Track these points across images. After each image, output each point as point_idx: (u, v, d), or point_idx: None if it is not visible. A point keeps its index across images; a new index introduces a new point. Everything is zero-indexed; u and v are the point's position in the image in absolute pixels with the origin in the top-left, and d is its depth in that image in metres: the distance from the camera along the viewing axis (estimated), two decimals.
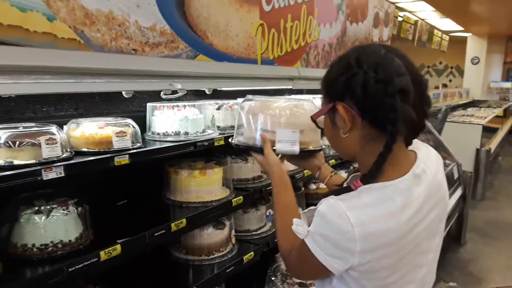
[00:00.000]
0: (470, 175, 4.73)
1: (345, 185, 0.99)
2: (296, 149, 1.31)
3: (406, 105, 0.90)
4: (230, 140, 1.50)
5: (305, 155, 1.38)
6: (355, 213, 0.89)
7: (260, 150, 1.33)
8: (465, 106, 9.88)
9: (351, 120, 0.97)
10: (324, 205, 0.93)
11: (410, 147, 1.04)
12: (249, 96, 1.45)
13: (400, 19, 7.03)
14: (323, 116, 1.07)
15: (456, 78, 14.88)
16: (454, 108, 8.60)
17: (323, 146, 1.44)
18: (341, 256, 0.92)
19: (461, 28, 10.78)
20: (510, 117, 11.08)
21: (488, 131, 7.54)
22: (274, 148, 1.32)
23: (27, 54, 1.32)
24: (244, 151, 1.47)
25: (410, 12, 7.99)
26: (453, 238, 4.57)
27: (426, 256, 1.05)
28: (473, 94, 11.81)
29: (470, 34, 12.42)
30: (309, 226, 0.98)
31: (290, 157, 1.41)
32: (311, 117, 1.12)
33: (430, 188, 1.01)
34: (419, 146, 1.07)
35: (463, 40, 12.61)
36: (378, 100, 0.90)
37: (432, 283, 1.13)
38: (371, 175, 0.94)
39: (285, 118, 1.32)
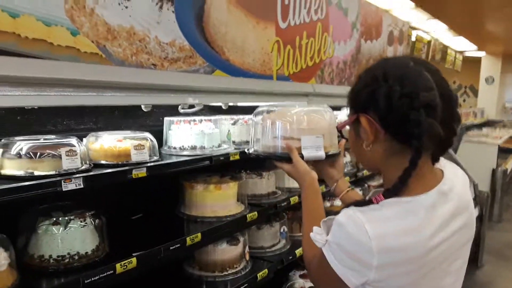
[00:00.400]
0: (487, 195, 4.64)
1: (367, 198, 0.97)
2: (322, 154, 1.30)
3: (433, 120, 0.88)
4: (247, 150, 1.48)
5: (328, 160, 1.36)
6: (374, 225, 0.87)
7: (283, 158, 1.31)
8: (480, 126, 9.75)
9: (374, 133, 0.96)
10: (343, 215, 0.92)
11: (436, 165, 1.02)
12: (264, 105, 1.45)
13: (413, 38, 7.05)
14: (348, 127, 1.06)
15: (470, 98, 14.76)
16: (469, 127, 8.49)
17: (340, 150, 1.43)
18: (357, 269, 0.90)
19: (475, 47, 10.74)
20: None
21: (504, 151, 7.41)
22: (300, 154, 1.30)
23: (51, 67, 1.35)
24: (264, 160, 1.45)
25: (423, 31, 8.00)
26: (470, 260, 4.42)
27: (448, 279, 1.01)
28: (488, 113, 11.68)
29: (485, 53, 12.36)
30: (327, 234, 0.96)
31: (313, 164, 1.39)
32: (337, 127, 1.11)
33: (457, 206, 0.98)
34: (445, 164, 1.05)
35: (477, 60, 12.55)
36: (402, 114, 0.89)
37: None
38: (395, 190, 0.92)
39: (306, 124, 1.31)
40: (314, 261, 1.07)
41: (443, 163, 1.04)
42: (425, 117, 0.87)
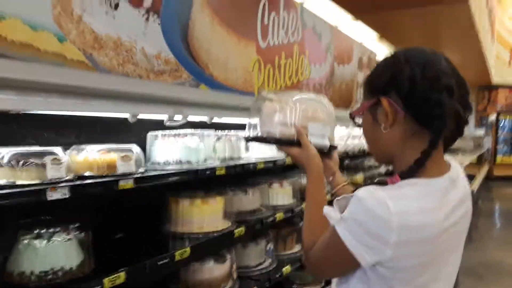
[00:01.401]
0: None
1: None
2: (327, 143, 1.28)
3: (454, 101, 0.91)
4: (246, 135, 1.39)
5: (328, 152, 1.33)
6: (395, 202, 0.87)
7: (291, 143, 1.27)
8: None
9: (393, 114, 0.96)
10: (363, 191, 0.90)
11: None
12: (264, 92, 1.42)
13: None
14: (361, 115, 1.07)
15: None
16: None
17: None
18: (373, 246, 0.88)
19: None
20: (485, 163, 11.41)
21: (467, 178, 7.68)
22: None
23: (36, 70, 1.30)
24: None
25: None
26: None
27: (446, 269, 1.01)
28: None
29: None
30: (341, 212, 0.95)
31: None
32: (350, 113, 1.10)
33: (463, 194, 1.00)
34: (448, 159, 1.07)
35: None
36: (425, 95, 0.91)
37: None
38: (412, 171, 0.93)
39: (311, 112, 1.29)
40: (316, 245, 1.04)
41: (447, 158, 1.06)
42: (446, 97, 0.90)
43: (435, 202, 0.91)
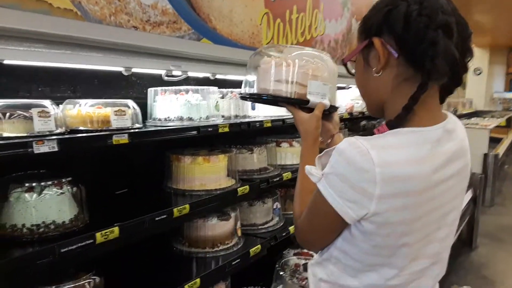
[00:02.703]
0: (480, 177, 4.60)
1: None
2: (327, 102, 1.21)
3: (450, 41, 0.82)
4: (242, 91, 1.33)
5: (328, 113, 1.26)
6: (379, 152, 0.80)
7: (285, 102, 1.21)
8: (468, 116, 9.77)
9: (386, 56, 0.88)
10: (345, 142, 0.84)
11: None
12: (262, 46, 1.33)
13: None
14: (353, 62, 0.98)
15: (458, 89, 14.88)
16: (458, 117, 8.48)
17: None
18: (357, 200, 0.82)
19: None
20: None
21: (493, 141, 7.41)
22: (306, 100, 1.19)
23: (18, 18, 1.23)
24: (258, 101, 1.29)
25: None
26: (465, 242, 4.42)
27: (441, 232, 0.95)
28: (476, 104, 11.72)
29: (473, 45, 12.42)
30: (322, 169, 0.89)
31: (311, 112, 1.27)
32: (342, 59, 1.01)
33: (459, 148, 0.92)
34: (446, 113, 0.97)
35: None
36: (419, 34, 0.82)
37: (441, 273, 1.02)
38: (399, 118, 0.85)
39: (312, 69, 1.21)
40: (304, 213, 1.00)
41: (444, 112, 0.97)
42: (442, 37, 0.81)
43: (422, 153, 0.83)
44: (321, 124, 1.19)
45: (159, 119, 1.84)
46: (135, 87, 2.00)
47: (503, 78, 13.42)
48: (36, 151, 1.20)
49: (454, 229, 1.01)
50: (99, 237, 1.29)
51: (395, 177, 0.80)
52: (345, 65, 1.02)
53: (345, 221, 0.86)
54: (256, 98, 1.34)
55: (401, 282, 0.93)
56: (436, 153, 0.85)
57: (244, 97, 1.36)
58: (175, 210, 1.58)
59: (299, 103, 1.21)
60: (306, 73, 1.20)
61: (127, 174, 1.91)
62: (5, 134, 1.22)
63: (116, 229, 1.35)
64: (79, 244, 1.23)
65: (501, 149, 7.56)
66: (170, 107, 1.83)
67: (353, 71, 1.01)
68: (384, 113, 0.95)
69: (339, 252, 0.96)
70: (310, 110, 1.20)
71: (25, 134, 1.25)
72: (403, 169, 0.80)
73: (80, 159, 1.65)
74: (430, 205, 0.87)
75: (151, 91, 1.88)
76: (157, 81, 1.97)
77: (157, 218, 1.51)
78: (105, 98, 1.82)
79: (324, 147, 1.28)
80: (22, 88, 1.55)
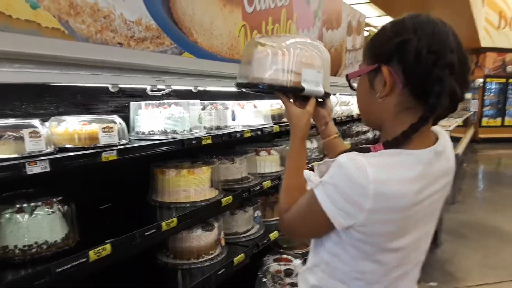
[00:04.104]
0: None
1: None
2: (321, 89, 1.24)
3: (454, 81, 0.90)
4: (237, 81, 1.32)
5: (320, 101, 1.30)
6: (375, 170, 0.87)
7: (280, 90, 1.23)
8: None
9: (391, 85, 0.94)
10: (345, 156, 0.90)
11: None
12: (257, 36, 1.33)
13: (366, 33, 7.26)
14: (358, 78, 1.04)
15: None
16: None
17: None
18: (348, 211, 0.90)
19: None
20: (471, 126, 11.57)
21: (453, 140, 7.78)
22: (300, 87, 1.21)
23: (9, 40, 1.23)
24: (252, 89, 1.29)
25: (375, 27, 8.28)
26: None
27: (420, 236, 1.03)
28: None
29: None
30: (321, 177, 0.96)
31: (305, 99, 1.28)
32: (347, 75, 1.07)
33: (445, 168, 1.01)
34: (438, 129, 1.07)
35: None
36: (427, 70, 0.88)
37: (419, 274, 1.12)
38: (396, 142, 0.92)
39: (306, 57, 1.23)
40: (292, 208, 1.07)
41: (437, 129, 1.06)
42: (448, 75, 0.88)
43: (414, 174, 0.91)
44: (310, 121, 1.23)
45: (143, 133, 1.86)
46: (117, 101, 2.00)
47: None
48: (29, 172, 1.21)
49: (432, 233, 1.09)
50: (92, 254, 1.31)
51: (386, 194, 0.88)
52: (348, 80, 1.09)
53: (334, 225, 0.94)
54: (252, 87, 1.31)
55: (385, 286, 1.01)
56: (426, 174, 0.93)
57: (240, 87, 1.35)
58: (163, 224, 1.62)
59: (295, 91, 1.23)
60: (301, 62, 1.22)
61: (110, 188, 1.92)
62: None
63: (108, 246, 1.37)
64: (74, 263, 1.25)
65: (460, 149, 7.98)
66: (154, 121, 1.86)
67: (354, 84, 1.07)
68: (382, 131, 1.02)
69: (329, 256, 1.03)
70: (303, 99, 1.24)
71: (16, 155, 1.25)
72: (395, 187, 0.88)
73: (65, 174, 1.65)
74: (415, 218, 0.95)
75: (133, 104, 1.90)
76: (138, 94, 1.99)
77: (147, 233, 1.54)
78: (87, 113, 1.83)
79: (319, 134, 1.34)
80: (6, 106, 1.54)
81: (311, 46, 1.29)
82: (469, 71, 0.97)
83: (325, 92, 1.27)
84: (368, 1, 5.95)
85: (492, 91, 13.84)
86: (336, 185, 0.90)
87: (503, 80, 13.64)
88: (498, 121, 13.71)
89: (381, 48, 0.96)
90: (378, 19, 7.88)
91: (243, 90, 1.37)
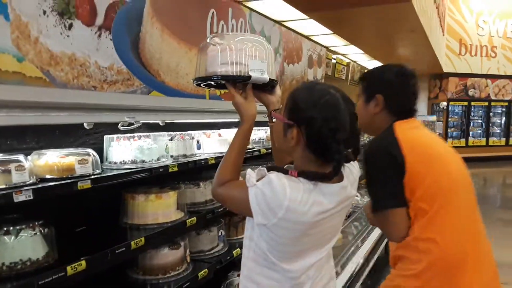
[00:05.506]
0: None
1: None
2: (266, 77, 1.44)
3: (347, 150, 1.24)
4: (195, 77, 1.52)
5: (268, 88, 1.51)
6: (293, 191, 1.17)
7: (233, 79, 1.42)
8: None
9: (296, 142, 1.25)
10: (275, 175, 1.20)
11: None
12: (208, 38, 1.52)
13: (333, 61, 7.73)
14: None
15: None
16: None
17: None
18: (266, 213, 1.19)
19: None
20: None
21: None
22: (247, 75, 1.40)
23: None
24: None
25: (342, 55, 8.78)
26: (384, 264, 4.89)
27: (322, 251, 1.33)
28: None
29: None
30: (257, 180, 1.23)
31: (255, 88, 1.49)
32: (271, 111, 1.39)
33: (344, 198, 1.31)
34: (348, 166, 1.35)
35: None
36: (327, 142, 1.20)
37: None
38: (307, 176, 1.22)
39: (252, 51, 1.44)
40: (229, 185, 1.34)
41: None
42: (343, 147, 1.20)
43: (318, 200, 1.22)
44: (256, 106, 1.44)
45: (115, 163, 2.11)
46: (91, 135, 2.25)
47: (425, 103, 14.83)
48: (16, 200, 1.45)
49: (334, 241, 1.38)
50: (70, 269, 1.54)
51: (295, 210, 1.18)
52: (270, 117, 1.39)
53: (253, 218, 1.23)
54: (208, 80, 1.50)
55: (297, 275, 1.28)
56: (329, 201, 1.24)
57: (198, 81, 1.54)
58: (132, 243, 1.85)
59: (243, 79, 1.42)
60: (247, 54, 1.43)
61: (85, 213, 2.14)
62: None
63: (83, 262, 1.60)
64: (54, 277, 1.47)
65: None
66: (124, 152, 2.11)
67: (274, 120, 1.37)
68: (294, 162, 1.33)
69: (255, 246, 1.29)
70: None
71: (4, 186, 1.49)
72: (302, 207, 1.18)
73: (46, 201, 1.87)
74: (314, 231, 1.26)
75: (107, 138, 2.15)
76: (112, 127, 2.25)
77: (117, 251, 1.77)
78: (65, 147, 2.08)
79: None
80: None
81: (256, 42, 1.52)
82: (357, 118, 1.29)
83: (270, 79, 1.48)
84: (332, 33, 6.37)
85: (455, 113, 14.62)
86: (263, 192, 1.20)
87: (466, 103, 14.46)
88: (462, 142, 14.43)
89: (298, 113, 1.25)
90: (344, 48, 8.41)
91: (202, 86, 1.58)
